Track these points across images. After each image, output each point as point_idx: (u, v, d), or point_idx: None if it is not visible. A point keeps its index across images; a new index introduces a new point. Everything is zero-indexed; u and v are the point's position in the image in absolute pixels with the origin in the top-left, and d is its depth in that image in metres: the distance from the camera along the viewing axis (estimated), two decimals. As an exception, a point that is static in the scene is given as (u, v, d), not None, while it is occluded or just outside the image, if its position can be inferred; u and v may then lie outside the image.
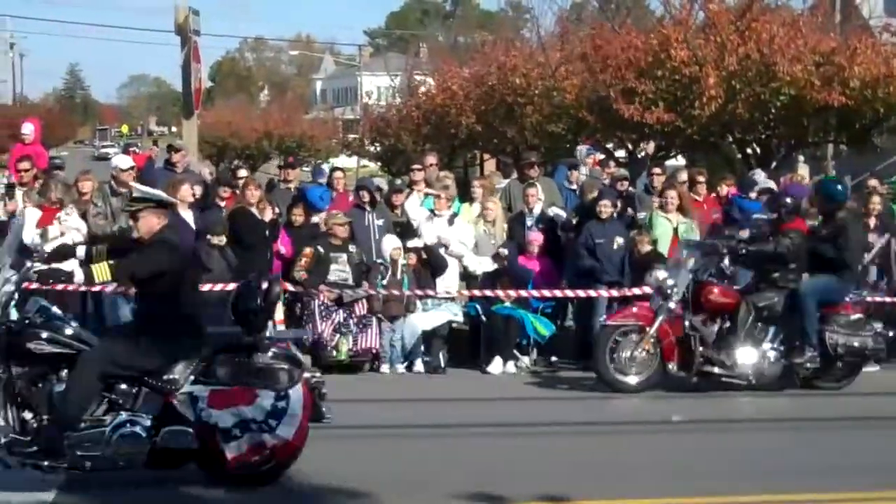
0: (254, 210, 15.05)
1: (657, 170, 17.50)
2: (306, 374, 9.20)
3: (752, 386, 13.24)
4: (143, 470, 8.81)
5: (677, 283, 13.25)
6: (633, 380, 13.25)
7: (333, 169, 18.83)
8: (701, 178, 16.64)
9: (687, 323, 13.21)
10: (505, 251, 15.31)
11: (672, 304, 13.21)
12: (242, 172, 17.01)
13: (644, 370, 13.28)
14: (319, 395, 9.10)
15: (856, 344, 13.37)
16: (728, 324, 13.35)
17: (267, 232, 15.01)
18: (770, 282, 13.56)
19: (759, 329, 13.40)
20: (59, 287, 14.19)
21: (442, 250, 15.36)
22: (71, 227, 14.42)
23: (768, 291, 13.50)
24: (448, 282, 15.31)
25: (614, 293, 14.89)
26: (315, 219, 15.68)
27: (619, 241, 15.14)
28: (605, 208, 15.27)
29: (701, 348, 13.17)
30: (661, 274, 13.44)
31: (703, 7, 24.90)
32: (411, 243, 15.45)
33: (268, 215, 15.14)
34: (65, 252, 14.31)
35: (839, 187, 14.49)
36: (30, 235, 14.33)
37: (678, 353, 13.20)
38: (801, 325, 13.24)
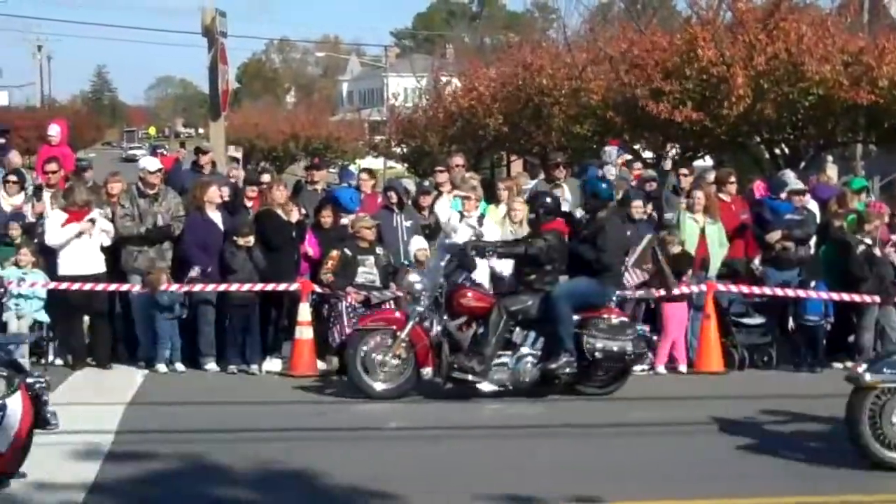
0: (280, 211, 15.06)
1: (685, 170, 17.40)
2: (29, 380, 8.65)
3: (511, 392, 12.67)
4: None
5: (426, 286, 12.84)
6: (379, 385, 12.72)
7: (362, 170, 18.81)
8: (731, 179, 16.53)
9: (439, 328, 12.72)
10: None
11: (421, 308, 12.75)
12: (265, 177, 16.98)
13: (395, 376, 12.78)
14: (40, 400, 8.61)
15: (615, 348, 12.75)
16: (482, 329, 12.78)
17: (293, 233, 15.02)
18: (526, 284, 13.02)
19: (518, 333, 12.83)
20: (87, 287, 14.27)
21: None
22: (100, 229, 14.47)
23: (523, 294, 12.92)
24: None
25: (641, 294, 14.81)
26: (344, 220, 15.66)
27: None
28: (637, 209, 15.18)
29: (455, 354, 12.62)
30: (411, 277, 13.04)
31: (730, 7, 24.84)
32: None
33: (294, 217, 15.14)
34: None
35: (604, 186, 13.90)
36: (54, 237, 14.38)
37: (433, 358, 12.69)
38: (556, 330, 12.69)
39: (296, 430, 11.25)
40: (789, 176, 17.38)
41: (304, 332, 14.44)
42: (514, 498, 8.52)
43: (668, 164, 23.79)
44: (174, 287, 14.40)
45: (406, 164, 47.14)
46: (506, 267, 15.34)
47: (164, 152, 29.27)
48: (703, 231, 15.38)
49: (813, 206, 16.63)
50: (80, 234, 14.32)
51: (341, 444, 10.36)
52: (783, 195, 16.14)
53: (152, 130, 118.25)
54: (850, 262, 14.83)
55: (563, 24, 36.08)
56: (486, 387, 12.67)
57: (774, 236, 15.35)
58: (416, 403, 12.64)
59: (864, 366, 9.51)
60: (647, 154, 27.69)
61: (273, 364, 14.72)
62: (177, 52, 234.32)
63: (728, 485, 9.02)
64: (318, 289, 14.74)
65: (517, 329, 12.89)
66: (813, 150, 24.76)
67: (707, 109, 23.16)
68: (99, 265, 14.54)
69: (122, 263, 14.77)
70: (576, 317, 12.81)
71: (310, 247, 15.25)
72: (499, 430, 11.40)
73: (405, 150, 45.64)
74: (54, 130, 18.78)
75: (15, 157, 19.04)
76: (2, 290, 14.28)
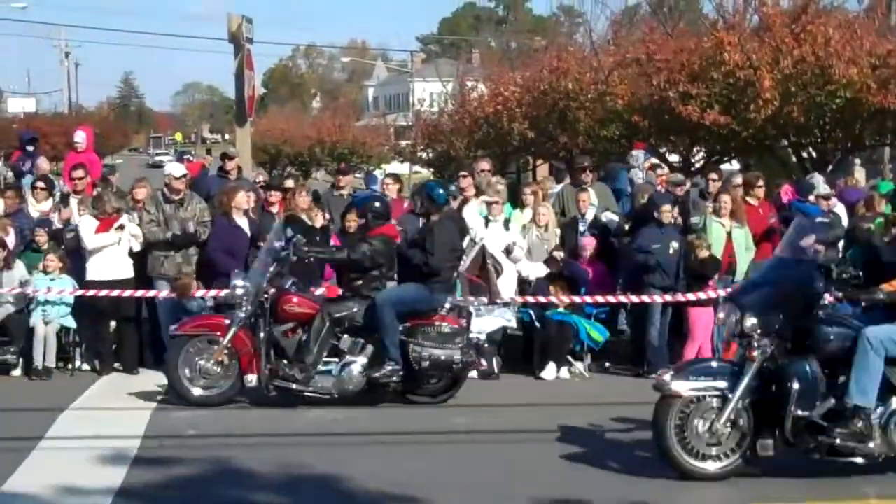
0: (304, 217, 15.08)
1: (714, 175, 17.33)
2: None
3: (339, 400, 12.38)
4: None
5: (250, 291, 12.49)
6: (198, 391, 12.43)
7: (387, 175, 18.83)
8: (759, 183, 16.44)
9: (261, 334, 12.42)
10: (561, 254, 15.24)
11: (243, 314, 12.42)
12: (289, 183, 17.02)
13: (217, 382, 12.51)
14: None
15: (442, 357, 12.51)
16: (306, 336, 12.55)
17: (318, 238, 15.03)
18: (353, 290, 12.84)
19: (345, 341, 12.59)
20: (115, 293, 14.32)
21: (502, 256, 15.28)
22: (130, 234, 14.54)
23: (349, 301, 12.71)
24: (506, 287, 15.25)
25: (668, 298, 14.77)
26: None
27: (675, 245, 15.01)
28: (667, 213, 15.13)
29: (279, 361, 12.41)
30: (236, 281, 12.73)
31: (757, 10, 24.74)
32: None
33: (318, 222, 15.18)
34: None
35: (440, 190, 13.49)
36: (91, 243, 14.44)
37: (257, 365, 12.36)
38: (381, 337, 12.46)
39: (320, 434, 11.27)
40: (818, 179, 17.31)
41: (330, 337, 14.42)
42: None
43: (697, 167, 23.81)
44: (201, 293, 14.43)
45: (432, 169, 47.14)
46: (533, 271, 15.34)
47: (191, 158, 29.48)
48: (729, 235, 15.33)
49: (840, 209, 16.54)
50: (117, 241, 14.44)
51: (366, 449, 10.34)
52: (811, 198, 16.05)
53: (179, 136, 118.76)
54: (878, 266, 14.71)
55: (590, 27, 35.98)
56: (313, 395, 12.35)
57: (808, 241, 15.24)
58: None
59: (671, 373, 9.40)
60: (673, 158, 27.59)
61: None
62: (203, 59, 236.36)
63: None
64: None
65: (345, 336, 12.60)
66: (840, 153, 24.61)
67: (734, 113, 23.08)
68: (127, 271, 14.61)
69: (148, 269, 14.82)
70: (408, 324, 12.58)
71: (335, 252, 15.25)
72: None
73: (431, 154, 45.64)
74: (80, 137, 18.87)
75: (43, 164, 19.17)
76: (28, 296, 14.37)
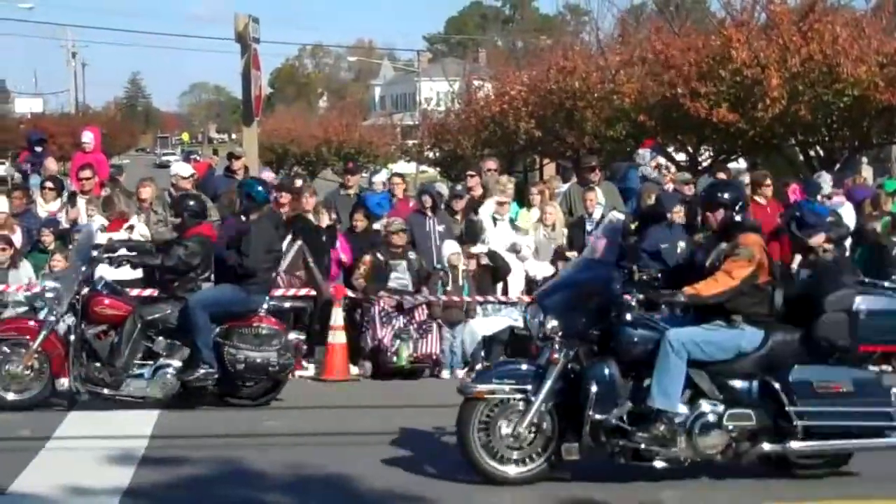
0: (310, 216, 15.08)
1: (721, 175, 17.31)
2: None
3: (152, 403, 12.04)
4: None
5: (61, 293, 12.11)
6: (11, 396, 12.02)
7: (393, 175, 18.84)
8: (767, 182, 16.42)
9: (72, 337, 12.06)
10: (573, 253, 15.24)
11: (53, 317, 12.10)
12: (298, 182, 17.05)
13: (30, 386, 12.09)
14: None
15: (258, 360, 12.23)
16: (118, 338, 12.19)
17: (324, 238, 15.04)
18: (168, 291, 12.50)
19: (160, 343, 12.24)
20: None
21: (511, 255, 15.28)
22: (139, 234, 14.56)
23: (163, 302, 12.40)
24: (515, 286, 15.23)
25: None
26: (376, 225, 15.70)
27: (682, 245, 15.00)
28: (678, 214, 15.11)
29: (90, 364, 12.07)
30: (45, 283, 12.43)
31: (764, 8, 24.71)
32: (475, 249, 15.40)
33: (324, 221, 15.18)
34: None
35: (259, 188, 13.26)
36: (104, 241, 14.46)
37: (69, 368, 12.00)
38: (194, 340, 12.16)
39: (328, 434, 11.25)
40: (825, 178, 17.29)
41: (337, 337, 14.45)
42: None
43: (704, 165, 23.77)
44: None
45: (438, 169, 47.14)
46: (541, 270, 15.34)
47: (198, 158, 29.45)
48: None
49: (848, 207, 16.52)
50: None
51: (374, 449, 10.33)
52: (819, 198, 16.03)
53: (185, 136, 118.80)
54: (886, 265, 14.71)
55: (596, 26, 35.94)
56: (124, 398, 12.07)
57: (819, 239, 15.24)
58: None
59: (475, 375, 9.29)
60: (680, 157, 27.57)
61: (306, 369, 14.74)
62: (210, 59, 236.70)
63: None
64: (350, 293, 14.76)
65: (160, 339, 12.27)
66: (848, 151, 24.58)
67: (741, 111, 23.07)
68: (135, 272, 14.58)
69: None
70: (224, 326, 12.33)
71: (343, 253, 15.27)
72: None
73: (437, 154, 45.65)
74: (88, 137, 18.88)
75: (51, 164, 19.20)
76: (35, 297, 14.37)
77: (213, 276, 12.86)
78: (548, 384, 8.89)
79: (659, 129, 25.62)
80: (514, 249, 15.33)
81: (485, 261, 15.33)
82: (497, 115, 34.60)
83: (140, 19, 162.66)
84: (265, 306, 12.64)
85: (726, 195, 9.36)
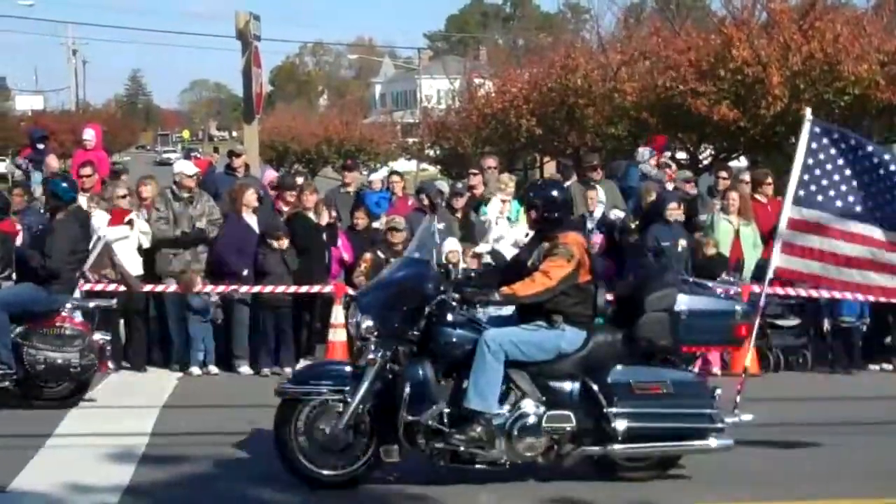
0: (311, 214, 15.08)
1: (723, 173, 17.30)
2: None
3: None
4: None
5: None
6: None
7: (391, 172, 18.83)
8: (768, 180, 16.41)
9: None
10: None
11: None
12: (299, 179, 17.06)
13: None
14: None
15: (59, 361, 11.94)
16: None
17: (324, 236, 15.03)
18: None
19: None
20: (122, 289, 14.31)
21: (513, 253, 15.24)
22: (139, 231, 14.56)
23: None
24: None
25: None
26: (376, 223, 15.69)
27: (683, 243, 15.02)
28: (674, 211, 15.11)
29: None
30: None
31: (765, 7, 24.73)
32: (478, 248, 15.39)
33: (325, 219, 15.17)
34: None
35: (65, 186, 12.68)
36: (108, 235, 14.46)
37: None
38: None
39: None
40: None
41: (338, 335, 14.46)
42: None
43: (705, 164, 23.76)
44: (209, 288, 14.45)
45: (439, 167, 47.14)
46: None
47: (198, 155, 29.47)
48: (737, 233, 15.31)
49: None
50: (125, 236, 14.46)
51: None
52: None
53: (186, 134, 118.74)
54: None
55: (597, 24, 36.00)
56: None
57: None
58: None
59: (293, 375, 9.16)
60: (681, 155, 27.59)
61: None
62: (211, 56, 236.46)
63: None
64: (351, 291, 14.76)
65: None
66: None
67: (742, 109, 23.08)
68: (135, 268, 14.60)
69: (156, 267, 14.82)
70: (25, 326, 12.06)
71: (344, 251, 15.26)
72: None
73: (438, 152, 45.65)
74: (89, 135, 18.89)
75: (52, 162, 19.18)
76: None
77: (14, 274, 12.67)
78: (364, 385, 8.74)
79: (660, 127, 25.63)
80: (518, 247, 15.32)
81: (487, 259, 15.31)
82: (498, 112, 34.63)
83: (141, 16, 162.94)
84: (69, 306, 12.33)
85: (538, 195, 9.23)
